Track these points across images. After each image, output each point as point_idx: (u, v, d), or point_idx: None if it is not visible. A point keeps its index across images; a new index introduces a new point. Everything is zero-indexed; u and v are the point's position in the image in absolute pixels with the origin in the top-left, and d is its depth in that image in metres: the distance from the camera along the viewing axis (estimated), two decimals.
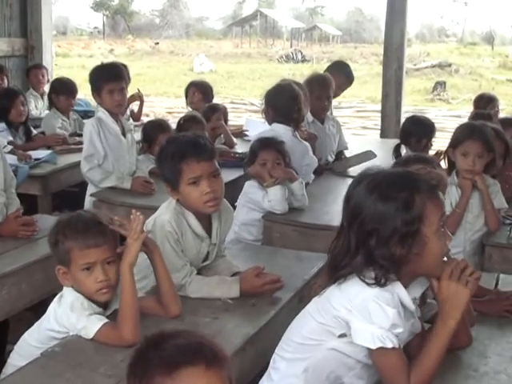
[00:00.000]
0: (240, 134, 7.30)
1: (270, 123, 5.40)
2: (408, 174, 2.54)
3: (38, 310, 3.97)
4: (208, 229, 3.35)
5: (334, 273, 2.48)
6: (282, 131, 5.17)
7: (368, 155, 5.82)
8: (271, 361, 2.67)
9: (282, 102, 5.32)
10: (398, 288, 2.40)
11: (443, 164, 4.38)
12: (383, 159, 5.84)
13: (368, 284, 2.37)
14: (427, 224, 2.37)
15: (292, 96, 5.31)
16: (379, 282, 2.36)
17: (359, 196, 2.45)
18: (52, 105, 7.30)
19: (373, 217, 2.39)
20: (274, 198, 4.47)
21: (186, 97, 7.42)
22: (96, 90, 5.10)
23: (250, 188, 4.59)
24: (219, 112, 6.76)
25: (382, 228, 2.37)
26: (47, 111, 7.87)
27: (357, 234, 2.41)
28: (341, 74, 6.99)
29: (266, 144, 4.65)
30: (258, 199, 4.53)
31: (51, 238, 2.93)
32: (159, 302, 2.99)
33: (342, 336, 2.43)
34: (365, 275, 2.38)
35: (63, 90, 7.17)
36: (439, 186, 2.55)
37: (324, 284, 2.56)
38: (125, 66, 5.23)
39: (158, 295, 3.00)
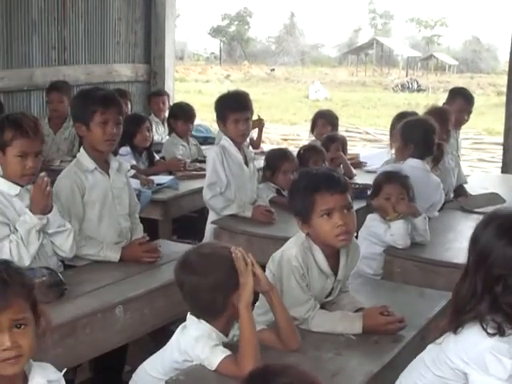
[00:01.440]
0: (358, 164, 7.25)
1: (404, 158, 5.30)
2: None
3: (155, 333, 4.03)
4: (334, 265, 3.32)
5: (457, 316, 2.42)
6: (418, 166, 5.15)
7: (497, 199, 5.66)
8: None
9: (421, 137, 5.26)
10: None
11: None
12: (506, 196, 5.72)
13: (488, 333, 2.31)
14: None
15: (432, 130, 5.26)
16: (500, 331, 2.30)
17: (488, 239, 2.39)
18: (172, 130, 7.44)
19: (501, 262, 2.33)
20: (396, 232, 4.40)
21: (313, 127, 7.40)
22: (221, 118, 5.16)
23: (373, 221, 4.54)
24: (338, 142, 6.75)
25: (510, 275, 2.30)
26: (167, 137, 8.02)
27: (483, 279, 2.36)
28: (459, 97, 6.89)
29: (391, 178, 4.61)
30: (380, 233, 4.47)
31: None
32: (278, 336, 2.99)
33: None
34: (488, 323, 2.33)
35: (181, 114, 7.30)
36: None
37: (444, 328, 2.50)
38: (248, 96, 5.25)
39: (277, 331, 2.99)
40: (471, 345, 2.33)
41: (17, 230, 3.61)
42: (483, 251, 2.39)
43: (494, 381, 2.28)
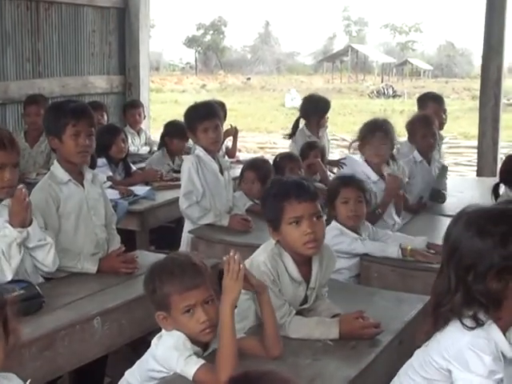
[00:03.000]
0: (336, 163, 7.30)
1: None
2: (507, 209, 2.51)
3: (135, 344, 4.03)
4: (307, 273, 3.34)
5: (437, 312, 2.45)
6: None
7: None
8: None
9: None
10: (494, 333, 2.37)
11: None
12: (481, 199, 5.74)
13: (467, 327, 2.35)
14: None
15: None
16: (478, 322, 2.34)
17: (457, 233, 2.45)
18: (164, 146, 7.37)
19: (470, 252, 2.38)
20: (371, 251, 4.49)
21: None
22: (191, 128, 5.20)
23: (334, 238, 4.39)
24: (317, 150, 6.80)
25: (479, 263, 2.36)
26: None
27: (455, 271, 2.41)
28: (429, 101, 6.98)
29: (348, 182, 4.62)
30: (347, 249, 4.44)
31: (148, 286, 2.97)
32: (260, 343, 2.98)
33: None
34: (464, 316, 2.37)
35: (176, 133, 7.20)
36: None
37: (429, 330, 2.53)
38: (222, 105, 5.29)
39: (261, 336, 2.99)
40: (452, 342, 2.37)
41: None
42: (453, 245, 2.44)
43: (474, 377, 2.30)
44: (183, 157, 5.57)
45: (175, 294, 2.85)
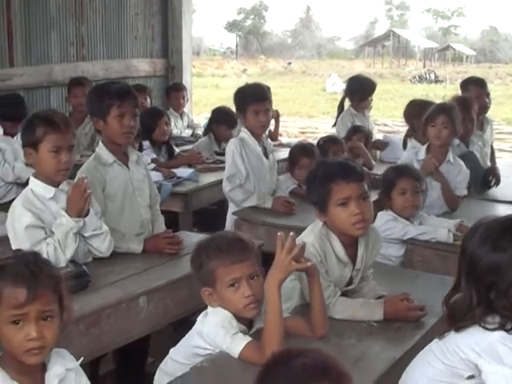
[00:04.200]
0: (381, 144, 7.28)
1: None
2: None
3: (177, 325, 4.06)
4: (353, 254, 3.35)
5: (454, 323, 2.43)
6: None
7: None
8: None
9: None
10: None
11: None
12: None
13: (490, 329, 2.34)
14: None
15: None
16: (504, 328, 2.33)
17: (473, 249, 2.42)
18: (210, 132, 7.38)
19: (489, 269, 2.35)
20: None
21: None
22: (241, 109, 5.19)
23: (386, 224, 4.49)
24: (361, 134, 6.79)
25: (499, 281, 2.33)
26: (188, 130, 8.06)
27: (477, 290, 2.38)
28: (470, 85, 6.88)
29: (403, 172, 4.62)
30: (398, 235, 4.49)
31: (194, 262, 3.01)
32: (306, 323, 2.99)
33: (470, 378, 2.40)
34: (486, 322, 2.35)
35: (224, 120, 7.23)
36: None
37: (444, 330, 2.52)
38: (268, 89, 5.26)
39: (309, 315, 3.00)
40: (481, 337, 2.35)
41: (53, 233, 3.60)
42: (471, 262, 2.41)
43: (507, 370, 2.29)
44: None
45: (221, 268, 2.88)
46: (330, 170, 3.27)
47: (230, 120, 7.11)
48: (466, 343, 2.37)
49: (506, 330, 2.32)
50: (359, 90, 7.48)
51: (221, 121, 7.26)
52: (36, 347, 2.28)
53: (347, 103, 7.64)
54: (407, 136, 6.28)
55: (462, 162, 5.41)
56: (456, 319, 2.43)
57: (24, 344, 2.28)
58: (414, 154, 5.43)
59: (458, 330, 2.41)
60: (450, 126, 5.22)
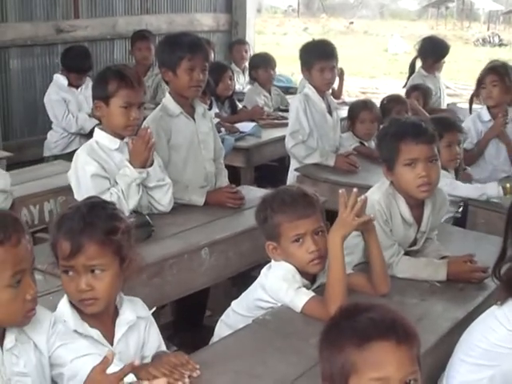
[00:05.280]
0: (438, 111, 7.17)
1: None
2: None
3: (235, 278, 4.09)
4: (419, 215, 3.32)
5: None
6: None
7: None
8: (450, 362, 2.62)
9: None
10: None
11: None
12: None
13: None
14: None
15: None
16: None
17: None
18: (253, 80, 7.47)
19: None
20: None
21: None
22: (306, 65, 5.13)
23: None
24: (418, 92, 6.72)
25: None
26: (249, 86, 8.02)
27: None
28: None
29: (449, 125, 4.51)
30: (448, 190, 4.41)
31: (259, 215, 3.02)
32: (368, 279, 2.99)
33: None
34: None
35: (261, 62, 7.33)
36: None
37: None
38: (334, 46, 5.21)
39: (369, 273, 2.99)
40: None
41: (117, 184, 3.62)
42: None
43: None
44: (290, 97, 5.54)
45: (286, 223, 2.88)
46: (401, 128, 3.24)
47: (267, 61, 7.27)
48: None
49: None
50: (433, 52, 7.33)
51: (258, 65, 7.33)
52: (87, 298, 2.35)
53: (418, 64, 7.50)
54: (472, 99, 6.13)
55: None
56: None
57: (76, 294, 2.35)
58: (477, 116, 5.35)
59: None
60: (501, 83, 5.15)
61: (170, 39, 4.27)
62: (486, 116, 5.27)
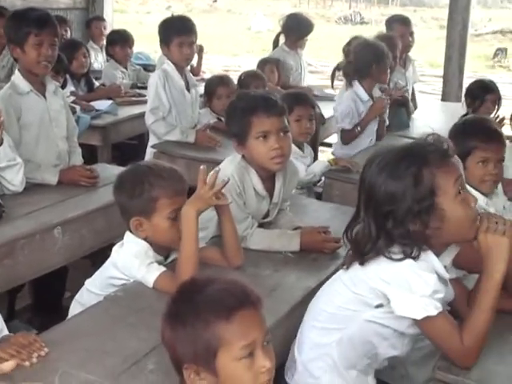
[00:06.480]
0: None
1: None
2: (415, 147, 2.42)
3: (94, 258, 4.03)
4: (270, 188, 3.35)
5: (360, 257, 2.43)
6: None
7: None
8: (300, 327, 2.66)
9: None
10: (430, 256, 2.35)
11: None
12: (446, 122, 5.77)
13: (397, 260, 2.32)
14: (441, 194, 2.30)
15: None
16: (409, 256, 2.31)
17: (371, 177, 2.38)
18: (110, 56, 7.43)
19: (385, 198, 2.32)
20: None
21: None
22: (165, 41, 5.09)
23: None
24: (272, 64, 6.86)
25: (395, 209, 2.30)
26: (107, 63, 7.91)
27: (374, 218, 2.36)
28: (395, 24, 6.91)
29: (300, 99, 4.60)
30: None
31: (132, 190, 2.89)
32: (222, 253, 3.00)
33: (378, 306, 2.40)
34: (390, 253, 2.34)
35: (119, 39, 7.30)
36: (449, 149, 2.40)
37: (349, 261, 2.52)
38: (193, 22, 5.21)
39: (223, 246, 3.00)
40: (389, 266, 2.33)
41: None
42: (369, 190, 2.38)
43: (417, 298, 2.28)
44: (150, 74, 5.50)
45: (165, 198, 2.84)
46: (251, 102, 3.24)
47: (124, 38, 7.31)
48: (374, 272, 2.36)
49: (413, 258, 2.30)
50: (297, 29, 7.40)
51: (115, 41, 7.32)
52: None
53: (282, 41, 7.56)
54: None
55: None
56: (360, 251, 2.41)
57: None
58: (356, 96, 5.39)
59: (362, 263, 2.40)
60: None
61: (16, 15, 4.14)
62: (364, 95, 5.35)
